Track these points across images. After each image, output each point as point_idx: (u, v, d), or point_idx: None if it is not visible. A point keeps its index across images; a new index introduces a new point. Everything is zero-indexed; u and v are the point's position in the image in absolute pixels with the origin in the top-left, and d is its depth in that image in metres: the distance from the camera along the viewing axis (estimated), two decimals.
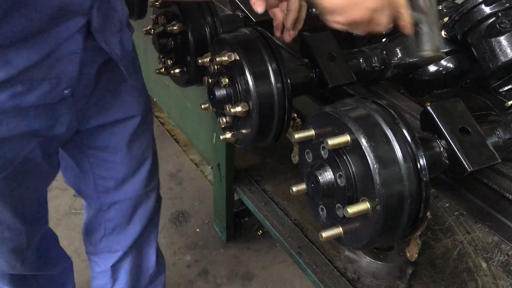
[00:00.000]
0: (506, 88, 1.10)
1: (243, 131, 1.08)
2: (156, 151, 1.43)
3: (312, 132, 0.89)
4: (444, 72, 1.17)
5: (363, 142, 0.78)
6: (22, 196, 1.16)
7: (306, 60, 1.14)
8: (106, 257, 1.48)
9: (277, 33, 1.16)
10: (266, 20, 1.26)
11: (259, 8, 0.95)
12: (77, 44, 0.99)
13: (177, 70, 1.30)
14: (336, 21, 0.88)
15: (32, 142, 1.06)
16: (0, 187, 1.08)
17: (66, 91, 1.02)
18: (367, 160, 0.77)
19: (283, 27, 1.14)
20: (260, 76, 1.01)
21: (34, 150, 1.08)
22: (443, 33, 1.13)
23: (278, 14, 1.13)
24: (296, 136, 0.89)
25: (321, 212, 0.92)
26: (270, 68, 1.02)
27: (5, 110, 0.95)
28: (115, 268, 1.49)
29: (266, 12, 1.27)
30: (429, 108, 0.91)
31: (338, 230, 0.86)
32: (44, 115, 1.03)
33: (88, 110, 1.15)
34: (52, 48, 0.94)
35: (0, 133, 0.98)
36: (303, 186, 0.91)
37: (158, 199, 1.49)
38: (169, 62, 1.32)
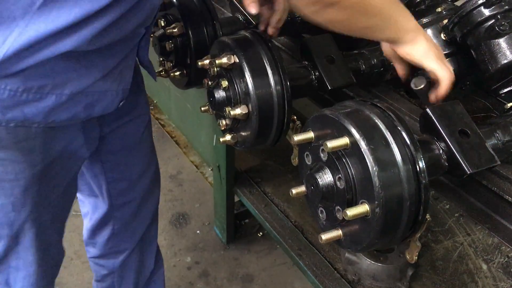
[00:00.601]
0: (505, 90, 1.10)
1: (243, 133, 1.09)
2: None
3: (311, 135, 0.89)
4: None
5: (362, 144, 0.78)
6: (66, 212, 1.19)
7: (306, 62, 1.14)
8: (113, 257, 1.48)
9: (262, 27, 1.21)
10: None
11: (252, 9, 1.03)
12: (134, 55, 1.05)
13: (177, 73, 1.30)
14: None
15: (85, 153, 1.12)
16: (54, 208, 1.10)
17: (120, 103, 1.06)
18: (366, 162, 0.77)
19: (267, 23, 1.20)
20: (260, 79, 1.01)
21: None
22: (442, 35, 1.13)
23: (265, 12, 1.18)
24: (296, 138, 0.89)
25: (320, 215, 0.92)
26: (269, 70, 1.02)
27: (79, 120, 0.99)
28: (122, 267, 1.49)
29: None
30: (428, 110, 0.91)
31: (338, 232, 0.86)
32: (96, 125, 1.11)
33: (110, 115, 1.17)
34: (122, 57, 0.99)
35: (71, 147, 1.04)
36: (302, 189, 0.91)
37: (158, 200, 1.51)
38: (169, 64, 1.32)
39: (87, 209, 1.45)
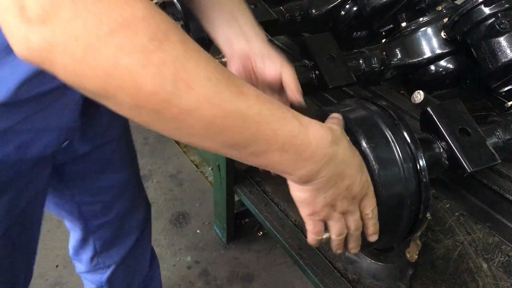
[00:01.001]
0: (506, 88, 1.10)
1: None
2: (137, 163, 1.31)
3: None
4: (444, 72, 1.17)
5: (363, 143, 0.78)
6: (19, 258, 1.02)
7: (306, 61, 1.14)
8: (100, 273, 1.40)
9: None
10: (266, 21, 1.26)
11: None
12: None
13: None
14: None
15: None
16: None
17: (64, 144, 0.92)
18: (367, 161, 0.77)
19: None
20: None
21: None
22: (442, 34, 1.13)
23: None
24: None
25: None
26: None
27: (11, 161, 0.83)
28: (110, 281, 1.41)
29: (266, 13, 1.27)
30: (428, 109, 0.91)
31: None
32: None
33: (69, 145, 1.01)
34: (63, 91, 0.83)
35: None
36: None
37: (148, 207, 1.41)
38: None
39: (69, 225, 1.34)
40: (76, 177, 1.13)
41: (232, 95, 0.56)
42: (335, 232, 0.75)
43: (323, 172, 0.65)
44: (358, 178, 0.70)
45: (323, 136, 0.65)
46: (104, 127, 1.09)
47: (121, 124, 1.16)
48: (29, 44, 0.49)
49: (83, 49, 0.49)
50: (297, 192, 0.70)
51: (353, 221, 0.74)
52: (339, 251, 0.79)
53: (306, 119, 0.65)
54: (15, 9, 0.48)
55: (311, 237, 0.76)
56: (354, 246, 0.80)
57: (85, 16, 0.48)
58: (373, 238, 0.79)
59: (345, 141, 0.70)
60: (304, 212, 0.72)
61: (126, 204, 1.27)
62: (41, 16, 0.47)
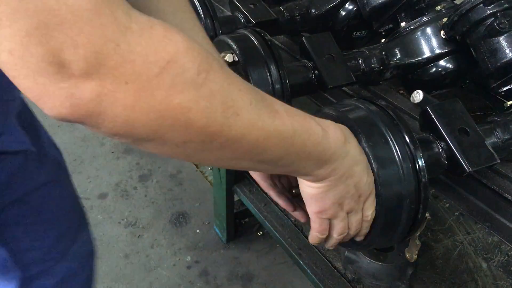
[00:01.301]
0: (505, 88, 1.10)
1: None
2: (77, 201, 1.12)
3: None
4: (443, 72, 1.17)
5: (362, 143, 0.78)
6: None
7: (305, 61, 1.14)
8: None
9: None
10: (265, 21, 1.26)
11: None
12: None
13: None
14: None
15: None
16: None
17: None
18: None
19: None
20: (259, 77, 1.01)
21: None
22: (442, 33, 1.13)
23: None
24: None
25: None
26: (269, 68, 1.02)
27: None
28: None
29: (265, 13, 1.27)
30: (428, 108, 0.91)
31: None
32: None
33: None
34: None
35: None
36: None
37: (92, 241, 1.19)
38: None
39: None
40: (4, 227, 0.97)
41: (270, 115, 0.57)
42: (337, 231, 0.77)
43: (337, 169, 0.69)
44: (365, 176, 0.73)
45: (338, 137, 0.69)
46: (29, 177, 0.94)
47: (50, 170, 1.01)
48: (74, 101, 0.45)
49: (134, 94, 0.46)
50: (308, 188, 0.71)
51: (355, 221, 0.76)
52: (331, 248, 0.82)
53: (325, 123, 0.68)
54: (52, 69, 0.43)
55: (315, 236, 0.78)
56: (344, 244, 0.85)
57: (132, 59, 0.45)
58: (359, 238, 0.82)
59: (354, 139, 0.74)
60: (312, 209, 0.74)
61: (70, 245, 1.09)
62: (85, 68, 0.44)
